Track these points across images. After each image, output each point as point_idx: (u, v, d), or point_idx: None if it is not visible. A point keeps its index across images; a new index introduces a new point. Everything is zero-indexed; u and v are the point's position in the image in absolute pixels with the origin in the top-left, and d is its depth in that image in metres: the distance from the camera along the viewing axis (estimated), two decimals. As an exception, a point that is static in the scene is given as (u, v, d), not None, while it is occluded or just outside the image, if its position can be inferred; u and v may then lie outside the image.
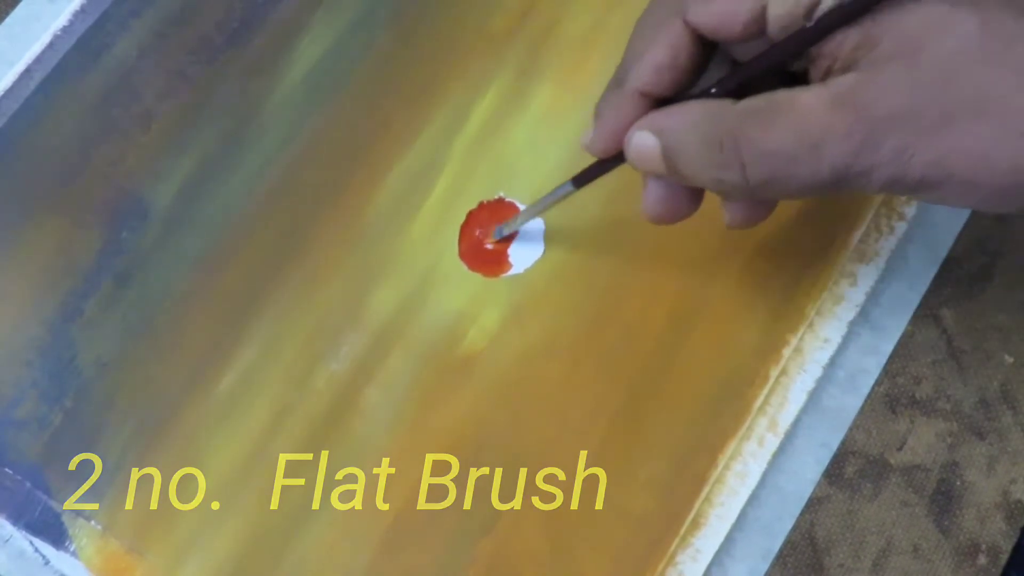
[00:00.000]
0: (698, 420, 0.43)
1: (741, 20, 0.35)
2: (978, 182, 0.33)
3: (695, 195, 0.39)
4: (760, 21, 0.35)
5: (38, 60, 0.47)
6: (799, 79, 0.36)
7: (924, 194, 0.35)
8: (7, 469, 0.42)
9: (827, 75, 0.34)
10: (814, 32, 0.34)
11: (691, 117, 0.36)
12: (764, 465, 0.42)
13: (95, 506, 0.42)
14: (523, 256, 0.46)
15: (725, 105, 0.36)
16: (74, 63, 0.48)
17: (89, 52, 0.48)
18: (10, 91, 0.47)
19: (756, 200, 0.38)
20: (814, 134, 0.34)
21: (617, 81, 0.39)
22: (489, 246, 0.46)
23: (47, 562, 0.42)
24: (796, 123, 0.34)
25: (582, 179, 0.41)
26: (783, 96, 0.34)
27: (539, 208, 0.43)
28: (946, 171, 0.33)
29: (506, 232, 0.45)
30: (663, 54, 0.37)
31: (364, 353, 0.44)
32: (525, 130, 0.47)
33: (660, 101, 0.38)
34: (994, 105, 0.32)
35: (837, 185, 0.35)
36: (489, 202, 0.47)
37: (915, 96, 0.33)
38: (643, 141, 0.37)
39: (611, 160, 0.40)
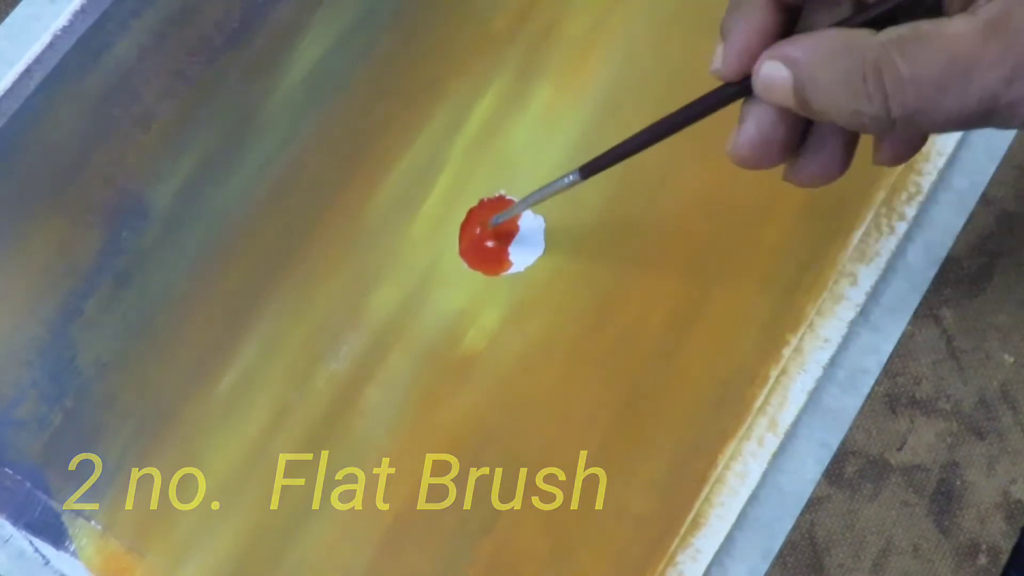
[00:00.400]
0: (698, 420, 0.43)
1: None
2: None
3: (791, 145, 0.38)
4: None
5: (38, 60, 0.47)
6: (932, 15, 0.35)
7: None
8: (7, 469, 0.42)
9: (969, 4, 0.34)
10: None
11: (829, 46, 0.35)
12: (764, 465, 0.42)
13: (95, 506, 0.42)
14: (523, 255, 0.46)
15: (865, 35, 0.34)
16: (74, 63, 0.48)
17: (89, 52, 0.48)
18: (10, 91, 0.47)
19: (899, 134, 0.37)
20: (964, 61, 0.32)
21: None
22: (490, 244, 0.46)
23: (47, 562, 0.42)
24: (945, 49, 0.33)
25: (590, 169, 0.41)
26: (928, 26, 0.33)
27: (536, 198, 0.43)
28: None
29: (501, 220, 0.45)
30: None
31: (364, 353, 0.44)
32: (525, 130, 0.47)
33: (790, 14, 0.37)
34: None
35: (984, 117, 0.34)
36: (490, 199, 0.47)
37: None
38: (774, 72, 0.35)
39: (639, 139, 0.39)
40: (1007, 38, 0.32)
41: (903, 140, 0.38)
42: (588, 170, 0.41)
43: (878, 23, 0.35)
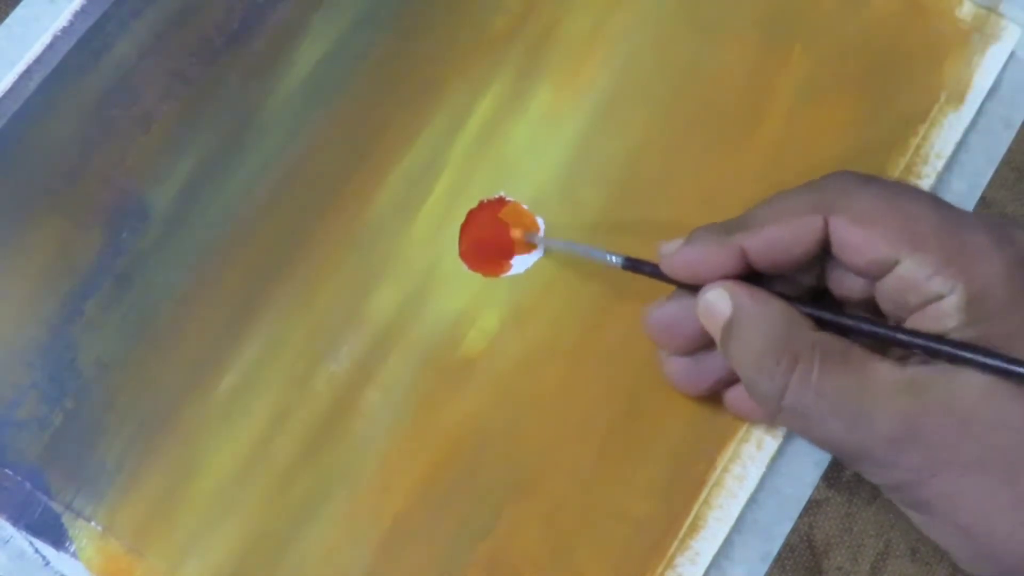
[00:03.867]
0: (697, 422, 0.43)
1: (879, 261, 0.35)
2: (972, 532, 0.34)
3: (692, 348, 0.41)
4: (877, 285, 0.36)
5: (38, 60, 0.47)
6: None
7: (916, 513, 0.35)
8: (7, 470, 0.43)
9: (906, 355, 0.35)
10: (930, 345, 0.34)
11: (771, 313, 0.37)
12: (763, 468, 0.43)
13: (95, 506, 0.42)
14: (523, 256, 0.46)
15: (804, 324, 0.36)
16: (74, 63, 0.47)
17: (89, 52, 0.48)
18: (10, 91, 0.47)
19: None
20: (867, 406, 0.34)
21: (729, 227, 0.38)
22: (517, 234, 0.46)
23: (47, 563, 0.42)
24: (861, 385, 0.34)
25: (635, 268, 0.42)
26: (860, 354, 0.35)
27: (575, 249, 0.44)
28: (953, 507, 0.34)
29: (533, 241, 0.46)
30: (789, 235, 0.37)
31: (364, 354, 0.44)
32: (525, 130, 0.47)
33: (749, 272, 0.38)
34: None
35: (852, 458, 0.36)
36: (490, 200, 0.47)
37: (974, 432, 0.33)
38: (718, 302, 0.38)
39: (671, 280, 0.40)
40: (916, 408, 0.34)
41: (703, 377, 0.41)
42: (631, 265, 0.42)
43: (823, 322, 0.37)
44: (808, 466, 0.43)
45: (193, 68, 0.48)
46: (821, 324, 0.37)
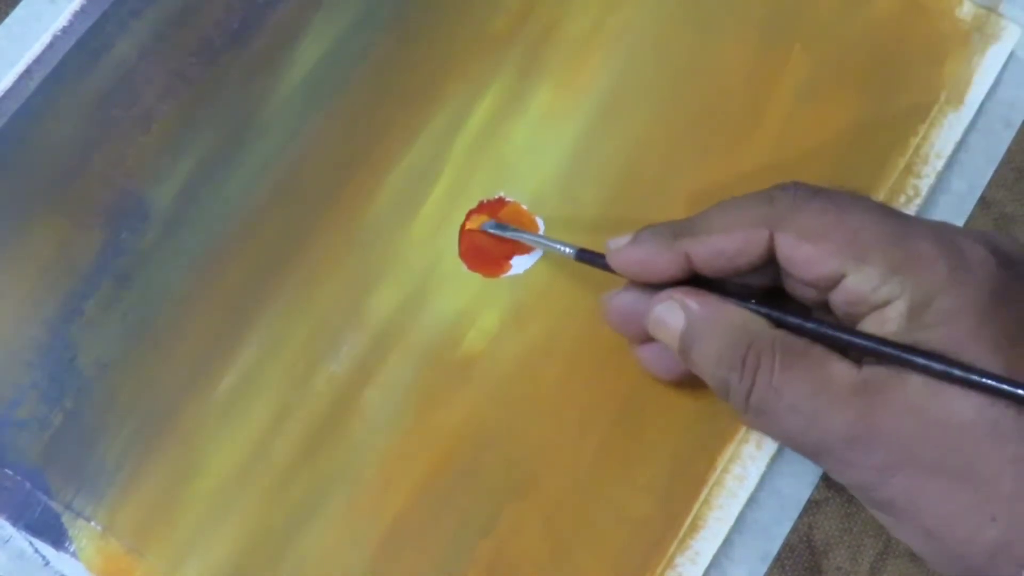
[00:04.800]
0: (697, 422, 0.43)
1: (826, 276, 0.36)
2: (935, 534, 0.34)
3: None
4: (833, 293, 0.36)
5: (38, 60, 0.47)
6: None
7: (882, 514, 0.36)
8: (7, 470, 0.43)
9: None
10: (880, 348, 0.35)
11: (725, 318, 0.37)
12: (763, 468, 0.43)
13: (95, 506, 0.42)
14: (523, 256, 0.46)
15: (762, 324, 0.37)
16: (74, 63, 0.47)
17: (89, 52, 0.48)
18: (10, 91, 0.47)
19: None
20: (824, 404, 0.34)
21: (676, 230, 0.39)
22: (488, 228, 0.46)
23: (47, 563, 0.42)
24: (817, 384, 0.35)
25: (588, 260, 0.42)
26: (818, 353, 0.35)
27: (535, 241, 0.45)
28: (915, 507, 0.34)
29: (495, 232, 0.46)
30: (733, 247, 0.37)
31: (364, 353, 0.44)
32: (525, 131, 0.47)
33: (695, 276, 0.38)
34: (985, 483, 0.33)
35: (814, 455, 0.36)
36: (489, 201, 0.47)
37: (929, 433, 0.33)
38: (669, 315, 0.38)
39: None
40: (872, 407, 0.34)
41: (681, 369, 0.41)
42: (583, 257, 0.43)
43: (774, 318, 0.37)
44: (808, 466, 0.43)
45: (193, 68, 0.48)
46: (775, 324, 0.37)
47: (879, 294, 0.34)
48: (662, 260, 0.38)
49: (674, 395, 0.43)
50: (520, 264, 0.45)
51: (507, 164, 0.47)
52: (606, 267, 0.41)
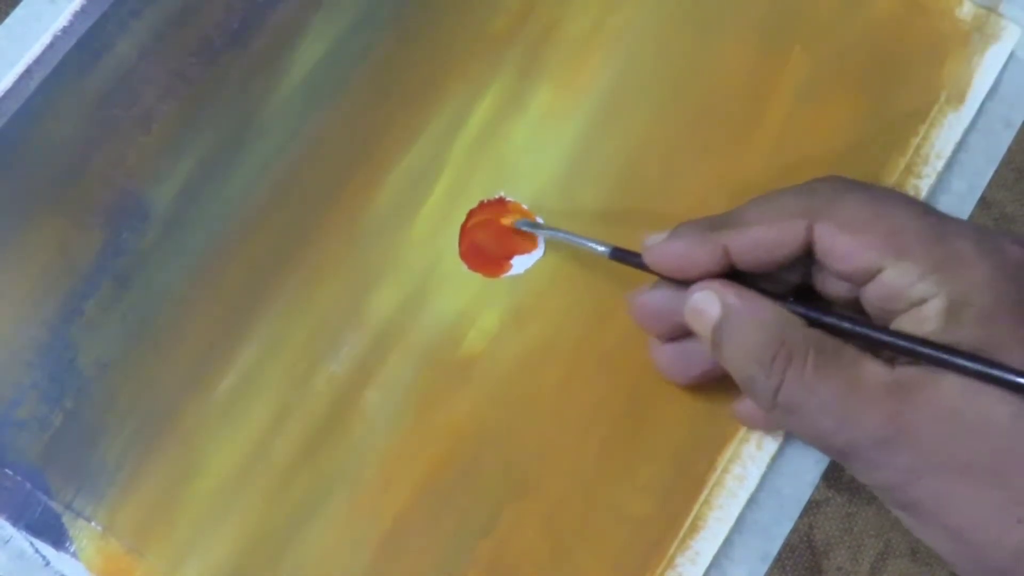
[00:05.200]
0: (697, 422, 0.43)
1: (863, 269, 0.36)
2: (961, 535, 0.34)
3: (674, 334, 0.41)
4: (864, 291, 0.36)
5: (38, 60, 0.47)
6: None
7: (906, 515, 0.35)
8: (7, 470, 0.43)
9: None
10: (917, 348, 0.34)
11: (762, 312, 0.37)
12: (763, 468, 0.43)
13: (95, 506, 0.42)
14: (523, 256, 0.46)
15: (796, 322, 0.36)
16: (74, 63, 0.47)
17: (89, 52, 0.48)
18: (10, 91, 0.47)
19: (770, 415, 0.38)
20: (856, 405, 0.34)
21: (714, 223, 0.38)
22: (508, 222, 0.46)
23: (47, 563, 0.42)
24: (850, 384, 0.34)
25: (622, 258, 0.42)
26: (851, 353, 0.35)
27: (568, 239, 0.44)
28: (942, 509, 0.34)
29: (528, 229, 0.46)
30: (772, 237, 0.37)
31: (364, 354, 0.44)
32: (525, 130, 0.47)
33: (732, 271, 0.38)
34: (1014, 485, 0.33)
35: (841, 456, 0.36)
36: (490, 201, 0.47)
37: (961, 435, 0.33)
38: (706, 304, 0.38)
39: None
40: (902, 407, 0.34)
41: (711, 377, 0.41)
42: (618, 255, 0.42)
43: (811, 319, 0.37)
44: (808, 466, 0.43)
45: (193, 68, 0.48)
46: (809, 323, 0.37)
47: (916, 291, 0.34)
48: (700, 253, 0.38)
49: (674, 395, 0.43)
50: (520, 264, 0.45)
51: (507, 164, 0.47)
52: (640, 265, 0.40)
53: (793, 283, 0.39)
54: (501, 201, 0.46)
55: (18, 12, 0.48)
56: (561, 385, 0.44)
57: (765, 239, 0.37)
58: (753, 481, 0.42)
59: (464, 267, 0.46)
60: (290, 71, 0.48)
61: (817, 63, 0.48)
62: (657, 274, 0.40)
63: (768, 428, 0.42)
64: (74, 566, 0.42)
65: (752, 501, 0.42)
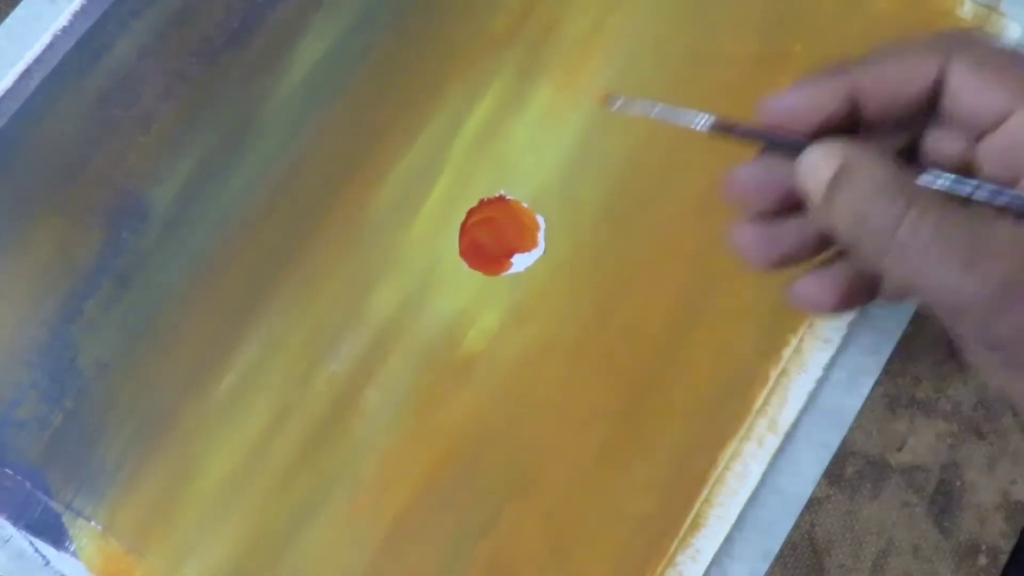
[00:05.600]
0: (698, 420, 0.43)
1: (994, 111, 0.34)
2: None
3: (779, 213, 0.38)
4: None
5: (38, 60, 0.47)
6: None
7: (1018, 378, 0.34)
8: (7, 469, 0.43)
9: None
10: None
11: (882, 167, 0.34)
12: (764, 466, 0.42)
13: (95, 506, 0.42)
14: (523, 255, 0.46)
15: (914, 178, 0.34)
16: (74, 63, 0.47)
17: (89, 52, 0.48)
18: (10, 91, 0.47)
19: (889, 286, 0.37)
20: (985, 247, 0.32)
21: (842, 66, 0.37)
22: (609, 104, 0.41)
23: (47, 562, 0.42)
24: (977, 230, 0.32)
25: (726, 130, 0.38)
26: (977, 207, 0.34)
27: (654, 113, 0.40)
28: None
29: (620, 108, 0.41)
30: (902, 73, 0.35)
31: (364, 353, 0.44)
32: (525, 130, 0.47)
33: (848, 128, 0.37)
34: None
35: (954, 312, 0.33)
36: (490, 199, 0.47)
37: None
38: (825, 157, 0.35)
39: (766, 134, 0.37)
40: None
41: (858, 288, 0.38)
42: (721, 127, 0.38)
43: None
44: (810, 464, 0.43)
45: (193, 68, 0.48)
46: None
47: None
48: (825, 95, 0.36)
49: (675, 393, 0.43)
50: (521, 262, 0.45)
51: (507, 164, 0.47)
52: (747, 133, 0.38)
53: (902, 147, 0.37)
54: (501, 199, 0.46)
55: (18, 12, 0.48)
56: (562, 384, 0.44)
57: (896, 73, 0.35)
58: (754, 478, 0.42)
59: (464, 266, 0.45)
60: (290, 71, 0.48)
61: (817, 62, 0.48)
62: (767, 140, 0.38)
63: (825, 309, 0.40)
64: (74, 566, 0.42)
65: (753, 499, 0.42)
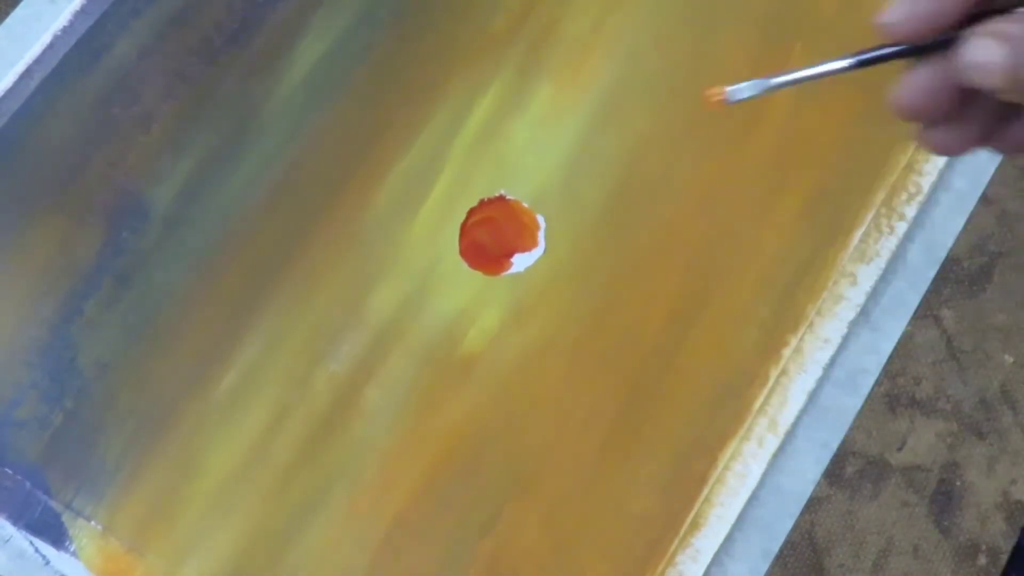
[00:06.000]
0: (698, 420, 0.43)
1: None
2: None
3: (952, 107, 0.37)
4: None
5: (38, 60, 0.47)
6: None
7: None
8: (7, 469, 0.42)
9: None
10: None
11: None
12: (764, 465, 0.42)
13: (95, 506, 0.42)
14: (524, 255, 0.46)
15: None
16: (74, 63, 0.47)
17: (89, 52, 0.48)
18: (10, 91, 0.47)
19: None
20: None
21: None
22: (728, 98, 0.40)
23: (47, 562, 0.42)
24: None
25: (868, 61, 0.37)
26: None
27: (794, 79, 0.38)
28: None
29: (744, 94, 0.39)
30: None
31: (364, 353, 0.44)
32: (525, 129, 0.47)
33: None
34: None
35: None
36: (490, 199, 0.47)
37: None
38: (987, 52, 0.34)
39: (908, 49, 0.36)
40: None
41: None
42: (863, 62, 0.37)
43: None
44: (809, 464, 0.43)
45: (193, 68, 0.48)
46: None
47: None
48: None
49: (675, 393, 0.43)
50: (521, 262, 0.45)
51: (508, 163, 0.47)
52: (891, 55, 0.37)
53: None
54: (501, 199, 0.46)
55: (18, 12, 0.48)
56: (562, 383, 0.44)
57: None
58: (754, 478, 0.42)
59: (465, 266, 0.45)
60: (290, 70, 0.48)
61: (818, 61, 0.48)
62: (911, 51, 0.37)
63: (961, 153, 0.39)
64: (74, 565, 0.42)
65: (753, 498, 0.42)
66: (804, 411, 0.43)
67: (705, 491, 0.42)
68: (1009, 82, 0.34)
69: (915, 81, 0.36)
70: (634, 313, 0.45)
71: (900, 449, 0.43)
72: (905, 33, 0.36)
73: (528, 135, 0.47)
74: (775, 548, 0.42)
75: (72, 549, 0.42)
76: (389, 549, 0.42)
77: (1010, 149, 0.38)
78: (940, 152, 0.38)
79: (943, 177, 0.46)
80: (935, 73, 0.36)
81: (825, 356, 0.44)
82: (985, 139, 0.37)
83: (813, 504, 0.42)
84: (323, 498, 0.42)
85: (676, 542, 0.42)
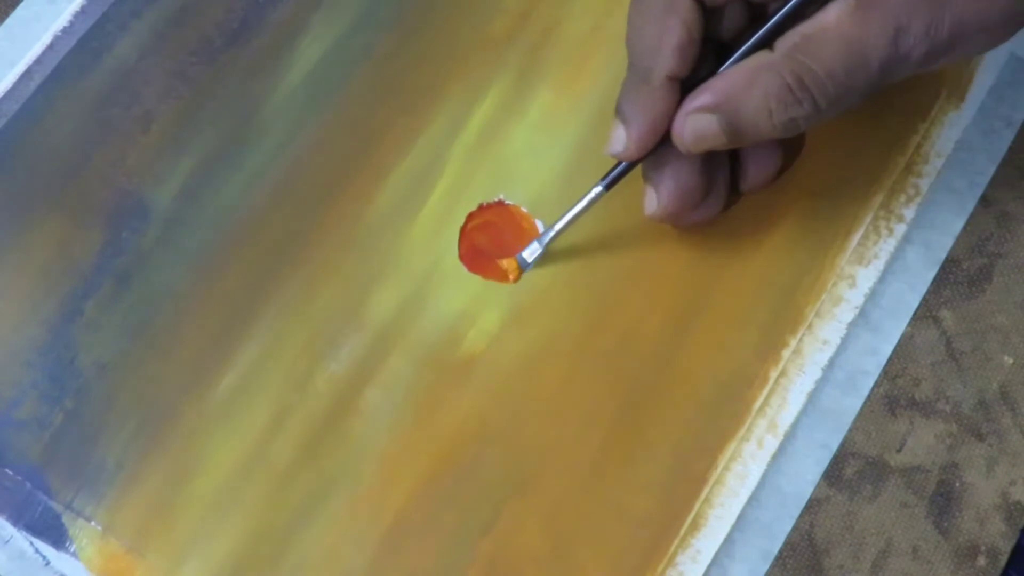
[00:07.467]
0: (698, 421, 0.43)
1: None
2: (987, 24, 0.37)
3: (705, 190, 0.42)
4: None
5: (38, 61, 0.47)
6: None
7: (948, 56, 0.38)
8: (7, 470, 0.42)
9: None
10: None
11: (743, 78, 0.38)
12: (764, 466, 0.43)
13: (95, 506, 0.42)
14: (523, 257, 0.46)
15: (764, 56, 0.38)
16: (74, 64, 0.48)
17: (89, 53, 0.48)
18: (10, 92, 0.47)
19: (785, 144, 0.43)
20: (856, 44, 0.37)
21: (638, 77, 0.40)
22: (523, 267, 0.45)
23: (47, 563, 0.42)
24: (838, 40, 0.37)
25: (615, 180, 0.43)
26: (812, 25, 0.38)
27: (567, 223, 0.44)
28: (964, 26, 0.37)
29: (532, 261, 0.45)
30: (682, 34, 0.39)
31: (364, 354, 0.44)
32: (525, 133, 0.47)
33: (683, 85, 0.40)
34: None
35: (885, 76, 0.38)
36: (489, 204, 0.47)
37: None
38: (701, 123, 0.39)
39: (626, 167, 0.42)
40: (879, 10, 0.36)
41: (768, 162, 0.43)
42: (611, 182, 0.43)
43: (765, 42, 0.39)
44: (809, 464, 0.43)
45: (193, 68, 0.48)
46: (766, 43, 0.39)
47: None
48: (654, 108, 0.40)
49: (675, 394, 0.43)
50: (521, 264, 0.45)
51: (507, 166, 0.47)
52: (628, 168, 0.42)
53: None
54: (500, 204, 0.46)
55: (18, 12, 0.48)
56: (562, 384, 0.44)
57: None
58: (754, 479, 0.42)
59: (464, 268, 0.46)
60: (290, 71, 0.48)
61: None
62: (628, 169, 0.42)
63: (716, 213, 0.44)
64: (74, 566, 0.42)
65: (753, 499, 0.42)
66: (804, 412, 0.43)
67: (705, 492, 0.42)
68: (731, 136, 0.39)
69: (666, 186, 0.42)
70: (633, 314, 0.45)
71: (899, 450, 0.43)
72: (632, 156, 0.41)
73: (528, 138, 0.47)
74: (775, 549, 0.42)
75: (72, 549, 0.42)
76: (389, 549, 0.42)
77: (755, 187, 0.44)
78: (700, 225, 0.44)
79: (942, 178, 0.46)
80: (679, 170, 0.42)
81: (824, 357, 0.44)
82: (733, 193, 0.44)
83: (812, 505, 0.42)
84: (323, 498, 0.42)
85: (676, 542, 0.42)
